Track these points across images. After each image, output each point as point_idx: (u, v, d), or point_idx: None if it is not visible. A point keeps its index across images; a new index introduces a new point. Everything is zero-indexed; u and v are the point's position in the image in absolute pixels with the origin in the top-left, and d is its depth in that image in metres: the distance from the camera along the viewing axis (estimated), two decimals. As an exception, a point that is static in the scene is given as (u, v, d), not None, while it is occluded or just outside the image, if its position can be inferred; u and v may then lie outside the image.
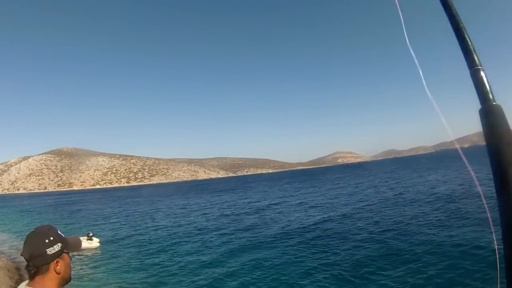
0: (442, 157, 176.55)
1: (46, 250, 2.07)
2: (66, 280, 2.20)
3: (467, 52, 1.42)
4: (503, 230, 1.17)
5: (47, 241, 2.09)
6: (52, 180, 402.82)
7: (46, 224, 2.29)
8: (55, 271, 2.10)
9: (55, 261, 2.11)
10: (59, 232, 2.22)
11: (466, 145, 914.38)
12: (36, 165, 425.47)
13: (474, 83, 1.35)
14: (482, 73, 1.36)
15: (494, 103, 1.29)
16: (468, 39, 1.42)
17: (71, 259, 2.26)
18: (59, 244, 2.14)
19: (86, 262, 20.76)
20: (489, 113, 1.26)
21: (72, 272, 6.83)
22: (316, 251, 19.41)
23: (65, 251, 2.19)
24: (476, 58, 1.39)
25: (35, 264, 2.07)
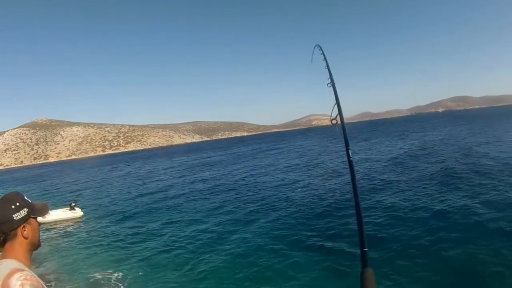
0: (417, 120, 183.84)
1: (13, 215, 2.10)
2: (35, 244, 2.24)
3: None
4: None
5: (13, 207, 2.11)
6: (28, 154, 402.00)
7: (13, 191, 2.31)
8: (23, 236, 2.12)
9: (22, 226, 2.13)
10: (25, 197, 2.24)
11: (441, 110, 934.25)
12: (12, 140, 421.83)
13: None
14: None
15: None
16: None
17: (39, 225, 2.30)
18: (25, 209, 2.16)
19: (68, 233, 20.91)
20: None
21: (57, 243, 19.01)
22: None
23: (32, 216, 2.21)
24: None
25: (3, 230, 2.09)
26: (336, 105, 2.99)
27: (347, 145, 2.74)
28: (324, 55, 3.97)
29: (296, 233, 15.19)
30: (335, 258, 11.87)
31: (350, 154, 2.69)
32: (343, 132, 2.84)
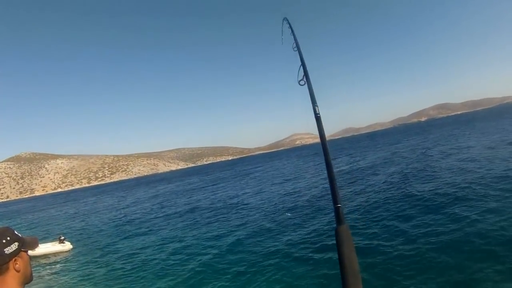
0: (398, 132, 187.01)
1: (4, 249, 2.09)
2: (27, 277, 2.24)
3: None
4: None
5: (4, 241, 2.12)
6: (14, 188, 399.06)
7: (1, 226, 2.27)
8: (15, 269, 2.12)
9: (14, 259, 2.13)
10: (15, 232, 2.24)
11: (423, 119, 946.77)
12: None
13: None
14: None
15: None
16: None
17: (30, 258, 2.31)
18: (16, 243, 2.16)
19: (60, 266, 20.89)
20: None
21: (49, 277, 18.97)
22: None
23: (22, 249, 2.22)
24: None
25: None
26: (301, 67, 3.23)
27: (313, 102, 2.92)
28: (289, 24, 4.28)
29: (274, 245, 16.63)
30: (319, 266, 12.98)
31: (318, 111, 2.87)
32: (310, 90, 3.01)
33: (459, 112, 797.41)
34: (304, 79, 3.11)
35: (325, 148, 2.53)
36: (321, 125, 2.77)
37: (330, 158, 2.43)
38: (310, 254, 14.48)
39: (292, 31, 4.07)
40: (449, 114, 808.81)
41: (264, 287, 12.31)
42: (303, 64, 3.27)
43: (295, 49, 3.68)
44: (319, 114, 2.86)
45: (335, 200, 2.05)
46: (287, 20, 4.42)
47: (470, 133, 58.24)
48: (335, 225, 1.86)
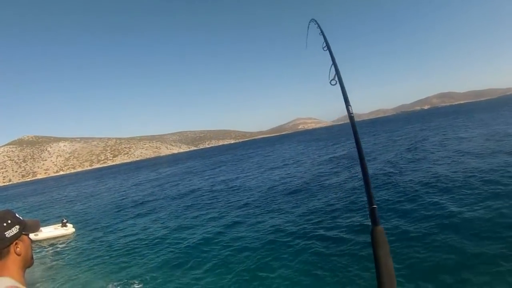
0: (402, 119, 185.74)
1: (5, 233, 2.05)
2: (28, 261, 2.19)
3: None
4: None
5: (5, 224, 2.07)
6: (16, 172, 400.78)
7: (3, 209, 2.23)
8: (16, 253, 2.08)
9: (15, 243, 2.08)
10: (17, 215, 2.19)
11: (426, 107, 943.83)
12: None
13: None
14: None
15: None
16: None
17: (31, 241, 2.26)
18: (17, 226, 2.11)
19: (63, 250, 20.76)
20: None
21: (52, 261, 19.07)
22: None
23: (24, 233, 2.17)
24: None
25: None
26: (333, 66, 3.13)
27: (347, 102, 2.83)
28: (318, 24, 4.18)
29: (281, 232, 16.21)
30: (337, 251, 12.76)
31: (351, 110, 2.82)
32: (342, 90, 2.91)
33: (462, 102, 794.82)
34: (336, 79, 3.01)
35: (360, 150, 2.43)
36: (355, 125, 2.66)
37: (365, 161, 2.33)
38: (309, 234, 14.94)
39: (322, 31, 4.02)
40: (452, 103, 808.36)
41: (263, 266, 12.61)
42: (334, 64, 3.19)
43: (325, 48, 3.61)
44: (352, 114, 2.79)
45: (370, 201, 2.06)
46: (315, 21, 4.36)
47: (468, 124, 58.28)
48: (370, 226, 1.88)
